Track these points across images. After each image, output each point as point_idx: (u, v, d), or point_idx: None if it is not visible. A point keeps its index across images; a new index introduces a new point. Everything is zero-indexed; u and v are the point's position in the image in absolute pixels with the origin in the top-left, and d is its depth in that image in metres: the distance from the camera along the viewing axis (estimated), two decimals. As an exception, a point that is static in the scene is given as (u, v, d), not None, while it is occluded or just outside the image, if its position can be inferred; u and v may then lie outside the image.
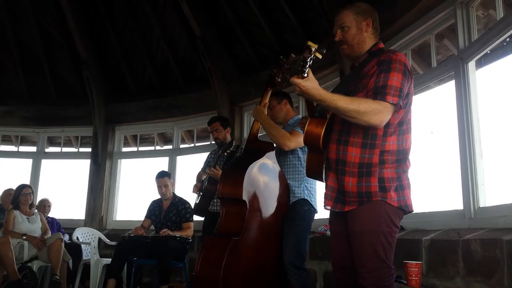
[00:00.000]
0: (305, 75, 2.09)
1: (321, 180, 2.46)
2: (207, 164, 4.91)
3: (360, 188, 2.22)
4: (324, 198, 2.38)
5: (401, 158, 2.26)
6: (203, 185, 4.67)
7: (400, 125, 2.26)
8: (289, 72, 2.16)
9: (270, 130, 3.55)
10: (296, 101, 4.84)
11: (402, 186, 2.26)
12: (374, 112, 2.11)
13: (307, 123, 2.36)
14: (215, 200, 4.59)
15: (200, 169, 5.03)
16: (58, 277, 5.26)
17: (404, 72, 2.19)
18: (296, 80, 2.10)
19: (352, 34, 2.38)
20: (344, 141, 2.27)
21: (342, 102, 2.12)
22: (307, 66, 2.08)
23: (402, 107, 2.21)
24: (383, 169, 2.22)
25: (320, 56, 2.16)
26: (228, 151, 4.75)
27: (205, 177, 4.75)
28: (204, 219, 4.80)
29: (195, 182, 4.92)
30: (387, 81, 2.15)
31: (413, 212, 3.92)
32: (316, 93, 2.12)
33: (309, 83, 2.10)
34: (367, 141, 2.23)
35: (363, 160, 2.22)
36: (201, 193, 4.70)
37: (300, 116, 3.75)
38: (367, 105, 2.12)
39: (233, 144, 4.90)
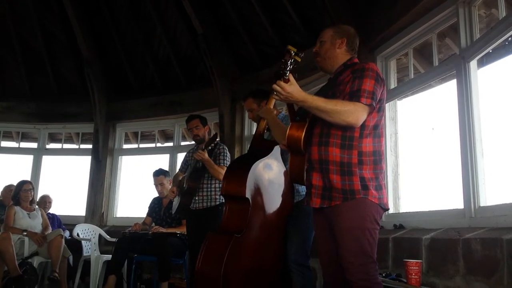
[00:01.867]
0: (287, 77, 2.29)
1: (304, 184, 2.61)
2: (185, 163, 4.89)
3: (344, 185, 2.38)
4: (311, 196, 2.49)
5: (377, 159, 2.44)
6: (183, 186, 4.65)
7: (375, 128, 2.46)
8: (282, 62, 2.30)
9: (275, 129, 3.53)
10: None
11: (380, 186, 2.43)
12: (350, 111, 2.32)
13: (288, 127, 2.54)
14: (196, 198, 4.57)
15: (177, 171, 5.00)
16: (56, 275, 5.27)
17: (376, 79, 2.41)
18: (282, 84, 2.30)
19: (326, 48, 2.65)
20: (324, 142, 2.44)
21: (321, 102, 2.34)
22: (288, 68, 2.30)
23: (375, 110, 2.43)
24: (363, 170, 2.39)
25: (299, 59, 2.43)
26: (210, 147, 4.54)
27: (182, 176, 4.74)
28: (187, 221, 4.79)
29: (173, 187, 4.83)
30: (361, 85, 2.38)
31: (414, 211, 4.00)
32: (299, 95, 2.33)
33: (293, 87, 2.32)
34: (345, 142, 2.40)
35: (343, 160, 2.39)
36: (178, 196, 4.67)
37: (284, 113, 3.77)
38: (344, 105, 2.34)
39: (214, 134, 4.83)
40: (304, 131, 2.47)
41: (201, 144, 4.70)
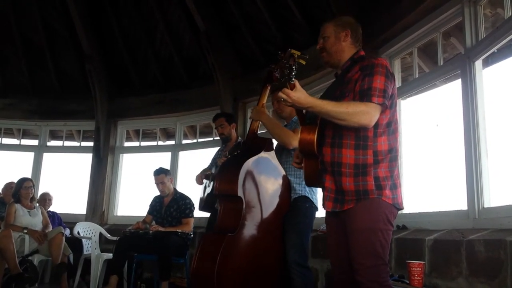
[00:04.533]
0: (293, 82, 2.22)
1: (320, 186, 2.55)
2: (214, 161, 4.88)
3: (357, 186, 2.32)
4: (323, 199, 2.46)
5: (392, 156, 2.39)
6: (210, 179, 4.64)
7: (388, 126, 2.39)
8: (287, 67, 2.26)
9: (274, 129, 3.50)
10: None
11: (395, 185, 2.37)
12: (363, 112, 2.25)
13: (300, 131, 2.48)
14: None
15: (207, 166, 4.99)
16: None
17: (387, 75, 2.34)
18: (287, 91, 2.23)
19: (331, 43, 2.57)
20: (338, 144, 2.37)
21: (331, 106, 2.27)
22: (294, 73, 2.23)
23: (388, 108, 2.36)
24: (378, 169, 2.32)
25: (303, 62, 2.37)
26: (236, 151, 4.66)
27: (209, 173, 4.73)
28: (210, 215, 4.78)
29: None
30: (371, 83, 2.30)
31: (417, 212, 3.97)
32: (306, 101, 2.26)
33: (299, 93, 2.25)
34: (360, 143, 2.34)
35: (358, 161, 2.33)
36: (206, 186, 4.68)
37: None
38: (355, 106, 2.26)
39: (239, 139, 4.85)
40: (316, 133, 2.40)
41: (230, 142, 4.74)
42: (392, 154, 2.38)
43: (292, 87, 2.25)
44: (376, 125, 2.32)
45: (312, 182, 2.64)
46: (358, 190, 2.31)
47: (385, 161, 2.34)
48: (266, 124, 3.52)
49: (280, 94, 2.26)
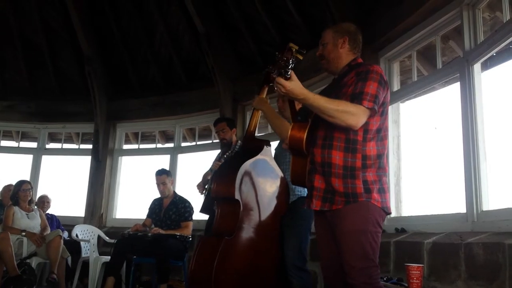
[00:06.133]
0: (288, 75, 2.25)
1: (305, 186, 2.57)
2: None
3: (346, 188, 2.35)
4: (312, 198, 2.46)
5: (381, 163, 2.43)
6: (208, 184, 4.64)
7: (378, 132, 2.43)
8: (284, 60, 2.28)
9: (274, 120, 3.43)
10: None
11: (383, 189, 2.41)
12: (351, 113, 2.29)
13: (290, 128, 2.50)
14: None
15: (208, 169, 4.99)
16: (55, 276, 5.23)
17: (380, 82, 2.38)
18: (281, 81, 2.26)
19: (329, 50, 2.60)
20: (328, 145, 2.41)
21: (323, 101, 2.30)
22: (290, 66, 2.27)
23: (378, 114, 2.39)
24: (366, 173, 2.36)
25: (301, 57, 2.41)
26: (229, 152, 4.68)
27: (210, 176, 4.73)
28: (208, 218, 4.78)
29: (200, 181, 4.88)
30: (363, 88, 2.34)
31: (416, 215, 3.97)
32: (300, 92, 2.29)
33: (294, 83, 2.28)
34: (349, 146, 2.38)
35: (347, 163, 2.36)
36: (205, 193, 4.68)
37: None
38: (345, 106, 2.30)
39: (238, 143, 4.85)
40: (306, 132, 2.42)
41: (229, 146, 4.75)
42: (381, 161, 2.42)
43: (288, 80, 2.28)
44: (366, 131, 2.37)
45: (298, 181, 2.64)
46: (347, 192, 2.34)
47: (374, 167, 2.38)
48: (266, 114, 3.40)
49: (275, 82, 2.28)
